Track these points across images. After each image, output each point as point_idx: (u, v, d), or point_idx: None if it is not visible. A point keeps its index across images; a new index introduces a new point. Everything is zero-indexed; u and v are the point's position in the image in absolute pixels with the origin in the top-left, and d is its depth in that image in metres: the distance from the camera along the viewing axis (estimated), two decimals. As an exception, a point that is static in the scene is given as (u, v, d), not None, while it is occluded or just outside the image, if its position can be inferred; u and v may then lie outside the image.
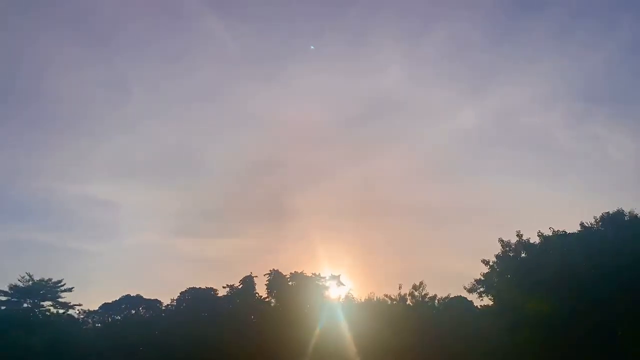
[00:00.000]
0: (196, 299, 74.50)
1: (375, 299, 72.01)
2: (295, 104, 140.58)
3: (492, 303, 59.68)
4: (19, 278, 71.21)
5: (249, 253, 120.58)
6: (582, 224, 53.82)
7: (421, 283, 70.37)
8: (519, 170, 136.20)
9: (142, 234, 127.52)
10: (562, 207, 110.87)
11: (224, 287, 73.95)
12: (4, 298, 70.61)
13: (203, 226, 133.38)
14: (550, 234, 54.26)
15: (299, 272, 73.20)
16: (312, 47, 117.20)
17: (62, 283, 73.33)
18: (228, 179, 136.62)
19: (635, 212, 52.00)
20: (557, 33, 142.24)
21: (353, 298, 72.76)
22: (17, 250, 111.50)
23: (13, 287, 71.13)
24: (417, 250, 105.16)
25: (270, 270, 73.24)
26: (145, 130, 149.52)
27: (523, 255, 54.84)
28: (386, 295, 70.93)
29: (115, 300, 79.69)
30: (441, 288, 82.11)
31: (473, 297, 61.68)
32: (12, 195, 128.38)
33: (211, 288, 75.67)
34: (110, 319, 78.34)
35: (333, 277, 73.83)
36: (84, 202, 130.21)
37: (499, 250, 55.85)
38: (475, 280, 58.78)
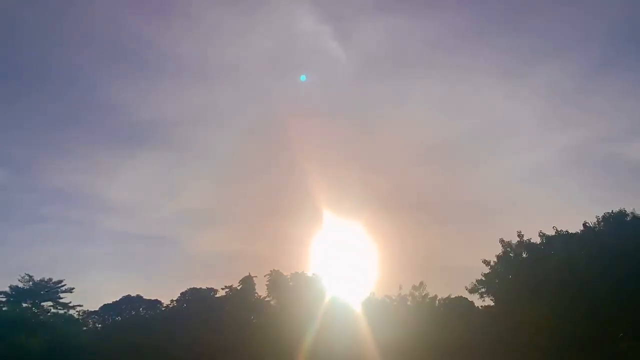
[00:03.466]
0: (196, 299, 74.55)
1: (375, 299, 71.84)
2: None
3: (493, 304, 59.49)
4: (19, 278, 71.25)
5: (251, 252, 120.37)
6: (584, 224, 53.57)
7: (421, 283, 70.25)
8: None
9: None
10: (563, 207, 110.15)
11: (222, 289, 74.03)
12: (4, 298, 70.61)
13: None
14: (552, 234, 54.03)
15: (299, 272, 73.24)
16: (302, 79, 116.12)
17: (62, 283, 73.28)
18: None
19: (637, 212, 51.72)
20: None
21: (354, 298, 72.56)
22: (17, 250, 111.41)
23: (13, 288, 71.15)
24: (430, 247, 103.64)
25: (270, 271, 73.24)
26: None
27: (524, 255, 54.61)
28: (386, 296, 70.86)
29: (116, 300, 79.90)
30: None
31: (474, 298, 61.56)
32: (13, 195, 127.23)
33: (211, 288, 75.84)
34: (110, 320, 78.44)
35: (333, 277, 73.74)
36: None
37: (500, 251, 55.65)
38: (476, 280, 58.65)
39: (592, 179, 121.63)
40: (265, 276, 72.83)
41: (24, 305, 70.55)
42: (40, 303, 71.72)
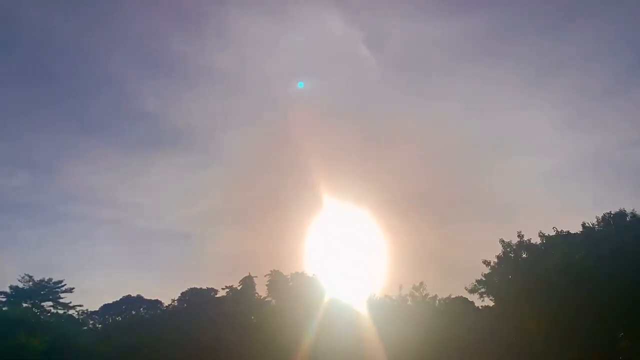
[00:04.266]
0: (196, 299, 74.57)
1: (375, 299, 71.84)
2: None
3: (493, 304, 59.57)
4: (19, 278, 71.28)
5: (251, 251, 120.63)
6: (583, 224, 53.60)
7: (421, 283, 70.28)
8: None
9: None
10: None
11: (222, 289, 74.06)
12: (4, 298, 70.66)
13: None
14: (552, 234, 54.06)
15: (299, 272, 73.23)
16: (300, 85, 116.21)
17: (62, 284, 73.33)
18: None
19: (637, 212, 51.76)
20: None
21: (354, 298, 72.52)
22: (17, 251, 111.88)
23: (13, 288, 71.17)
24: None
25: (270, 271, 73.23)
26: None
27: (524, 255, 54.67)
28: (386, 295, 70.87)
29: (116, 300, 79.90)
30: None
31: (474, 298, 61.61)
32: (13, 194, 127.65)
33: (212, 288, 75.85)
34: (110, 320, 78.44)
35: (335, 276, 73.71)
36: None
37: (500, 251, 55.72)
38: (476, 280, 58.73)
39: (606, 183, 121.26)
40: (265, 276, 72.88)
41: (24, 305, 70.57)
42: (40, 303, 71.76)
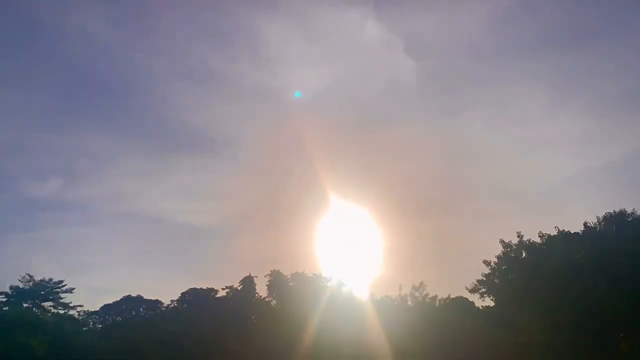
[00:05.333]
0: (197, 299, 74.55)
1: (376, 299, 71.83)
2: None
3: (493, 304, 59.43)
4: (20, 278, 71.42)
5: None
6: (585, 224, 53.39)
7: (421, 283, 70.32)
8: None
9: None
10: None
11: (222, 289, 74.04)
12: (4, 299, 70.75)
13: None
14: (553, 234, 53.89)
15: (299, 272, 73.19)
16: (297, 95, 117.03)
17: (62, 284, 73.45)
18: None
19: (638, 212, 51.55)
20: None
21: (354, 298, 72.47)
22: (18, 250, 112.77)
23: (14, 288, 71.26)
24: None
25: (270, 271, 73.23)
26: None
27: (524, 255, 54.50)
28: (386, 296, 70.84)
29: (116, 300, 79.90)
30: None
31: (474, 298, 61.41)
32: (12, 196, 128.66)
33: (212, 288, 75.79)
34: (111, 320, 78.46)
35: (334, 278, 73.67)
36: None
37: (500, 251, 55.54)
38: (476, 280, 58.53)
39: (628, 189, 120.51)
40: (265, 276, 72.91)
41: (25, 305, 70.70)
42: (40, 303, 71.89)
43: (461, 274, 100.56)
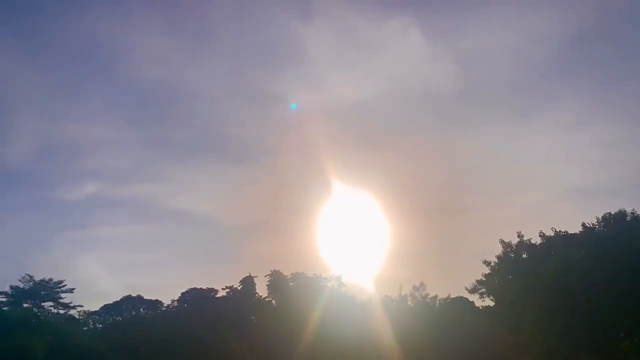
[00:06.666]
0: (197, 300, 74.60)
1: (376, 299, 71.88)
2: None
3: (493, 304, 59.53)
4: (20, 279, 71.31)
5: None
6: (583, 225, 53.42)
7: (421, 283, 70.45)
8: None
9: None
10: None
11: (223, 289, 74.10)
12: (4, 299, 70.71)
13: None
14: (552, 235, 53.94)
15: (300, 272, 73.24)
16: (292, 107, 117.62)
17: (63, 284, 73.36)
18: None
19: (638, 212, 51.55)
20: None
21: (354, 298, 72.60)
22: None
23: (14, 288, 71.21)
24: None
25: (271, 271, 73.28)
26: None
27: (524, 256, 54.59)
28: (387, 296, 70.94)
29: (116, 300, 79.92)
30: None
31: (474, 298, 61.61)
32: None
33: (212, 288, 75.83)
34: (111, 320, 78.50)
35: (334, 278, 73.72)
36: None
37: (500, 251, 55.64)
38: (476, 280, 58.69)
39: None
40: (265, 276, 72.96)
41: (25, 305, 70.65)
42: (40, 303, 71.83)
43: (461, 274, 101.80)
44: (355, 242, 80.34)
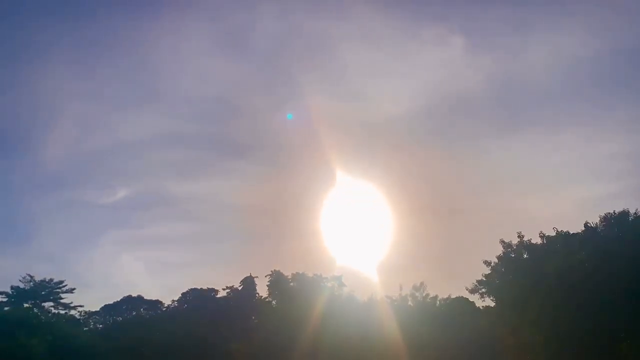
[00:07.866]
0: (197, 300, 74.62)
1: (376, 299, 71.75)
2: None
3: (493, 304, 59.35)
4: (20, 279, 71.48)
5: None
6: (585, 224, 53.18)
7: (422, 283, 70.31)
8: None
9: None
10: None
11: (223, 289, 74.09)
12: (5, 299, 70.83)
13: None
14: (553, 235, 53.75)
15: (300, 272, 73.19)
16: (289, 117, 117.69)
17: (63, 284, 73.51)
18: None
19: None
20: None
21: (354, 299, 72.49)
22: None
23: (14, 288, 71.31)
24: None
25: (271, 271, 73.25)
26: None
27: (525, 256, 54.40)
28: (387, 296, 70.76)
29: (117, 301, 79.95)
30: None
31: (475, 298, 61.39)
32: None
33: (212, 289, 75.92)
34: (111, 320, 78.53)
35: (335, 278, 73.64)
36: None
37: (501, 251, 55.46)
38: (477, 281, 58.49)
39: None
40: (265, 276, 72.94)
41: (25, 305, 70.73)
42: (41, 303, 71.93)
43: (461, 274, 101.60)
44: (355, 242, 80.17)
